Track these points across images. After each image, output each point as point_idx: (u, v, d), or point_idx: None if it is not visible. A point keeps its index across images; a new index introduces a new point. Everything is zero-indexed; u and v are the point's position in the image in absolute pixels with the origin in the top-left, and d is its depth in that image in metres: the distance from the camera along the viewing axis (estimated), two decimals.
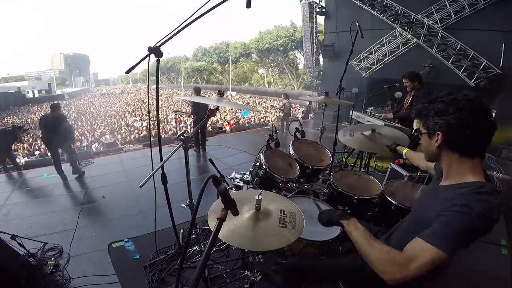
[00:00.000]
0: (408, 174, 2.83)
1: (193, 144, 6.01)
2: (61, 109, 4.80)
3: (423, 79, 3.66)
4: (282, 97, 9.53)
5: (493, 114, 0.99)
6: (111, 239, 2.80)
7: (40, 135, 4.81)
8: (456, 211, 0.88)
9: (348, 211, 2.00)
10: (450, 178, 1.04)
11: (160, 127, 2.29)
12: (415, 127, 1.06)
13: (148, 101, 1.88)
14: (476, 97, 0.94)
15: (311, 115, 12.30)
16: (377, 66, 9.32)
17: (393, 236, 1.29)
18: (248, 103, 23.04)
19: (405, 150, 1.90)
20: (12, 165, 5.82)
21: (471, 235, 0.88)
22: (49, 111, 4.55)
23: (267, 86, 35.85)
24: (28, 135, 12.36)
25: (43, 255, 2.54)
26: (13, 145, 6.25)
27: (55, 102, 4.78)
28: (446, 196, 0.97)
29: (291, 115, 9.45)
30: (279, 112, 8.79)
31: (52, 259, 2.48)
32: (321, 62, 12.07)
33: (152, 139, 6.92)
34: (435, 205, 0.99)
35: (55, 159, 4.61)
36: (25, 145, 10.60)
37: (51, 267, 2.35)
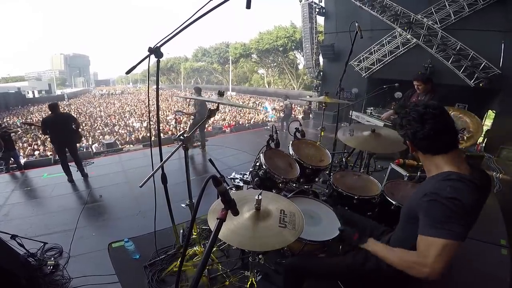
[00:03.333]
0: (408, 174, 2.84)
1: (194, 145, 6.03)
2: (60, 108, 4.57)
3: (418, 78, 3.61)
4: (283, 98, 9.45)
5: (452, 113, 1.10)
6: (111, 239, 2.80)
7: (49, 137, 4.64)
8: (428, 201, 0.97)
9: (348, 211, 2.00)
10: (430, 173, 1.14)
11: (160, 127, 2.29)
12: None
13: (149, 101, 1.88)
14: (424, 105, 1.09)
15: (311, 115, 12.30)
16: (377, 66, 9.31)
17: (394, 235, 1.30)
18: (247, 103, 23.04)
19: None
20: (15, 165, 5.83)
21: (457, 217, 0.92)
22: (50, 113, 4.31)
23: (267, 86, 35.83)
24: (28, 135, 12.38)
25: (43, 255, 2.54)
26: (14, 142, 6.15)
27: (53, 102, 4.54)
28: (424, 187, 1.08)
29: (292, 115, 9.39)
30: (280, 113, 8.62)
31: (52, 259, 2.48)
32: (321, 63, 12.05)
33: (152, 139, 6.93)
34: (416, 198, 1.09)
35: (63, 160, 4.48)
36: (25, 145, 10.61)
37: (51, 267, 2.36)
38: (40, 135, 12.02)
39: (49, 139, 4.78)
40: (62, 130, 4.30)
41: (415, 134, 1.10)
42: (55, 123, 4.26)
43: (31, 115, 20.55)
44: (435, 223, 0.93)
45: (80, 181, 4.56)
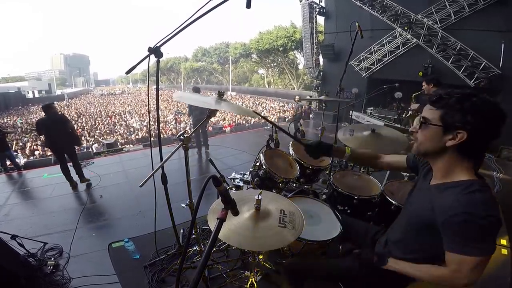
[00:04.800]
0: (408, 174, 2.83)
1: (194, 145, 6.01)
2: (56, 108, 4.27)
3: (423, 79, 3.65)
4: (296, 99, 8.94)
5: None
6: (111, 239, 2.81)
7: (44, 140, 4.38)
8: (461, 222, 0.88)
9: (348, 211, 2.00)
10: (442, 177, 1.02)
11: (160, 128, 2.29)
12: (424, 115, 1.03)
13: (149, 101, 1.88)
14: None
15: (311, 115, 12.29)
16: (377, 66, 9.31)
17: (390, 236, 1.28)
18: (247, 103, 23.03)
19: (347, 150, 1.49)
20: (12, 165, 5.81)
21: (488, 233, 0.89)
22: (45, 114, 4.07)
23: (267, 86, 35.84)
24: (28, 135, 12.38)
25: (43, 255, 2.55)
26: (8, 144, 6.01)
27: (47, 103, 4.20)
28: (440, 197, 0.97)
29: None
30: (292, 115, 7.79)
31: (52, 259, 2.48)
32: (321, 63, 12.06)
33: (152, 139, 6.92)
34: (430, 205, 0.99)
35: (63, 165, 4.19)
36: (27, 144, 10.62)
37: (51, 267, 2.36)
38: (40, 136, 12.03)
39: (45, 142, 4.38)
40: (56, 133, 4.03)
41: (488, 132, 0.91)
42: (48, 125, 4.00)
43: (31, 115, 20.56)
44: (470, 242, 0.89)
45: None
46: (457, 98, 0.92)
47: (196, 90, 5.73)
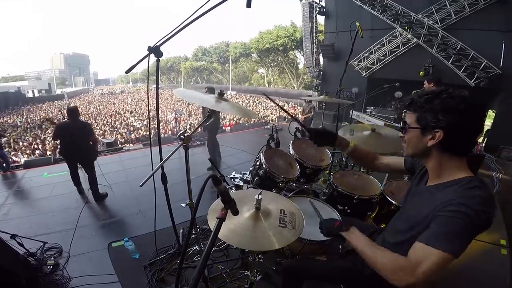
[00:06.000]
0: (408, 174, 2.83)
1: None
2: (79, 114, 3.84)
3: (424, 79, 3.66)
4: (306, 100, 8.44)
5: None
6: (111, 238, 2.81)
7: (58, 146, 3.87)
8: (453, 211, 0.86)
9: (348, 211, 2.00)
10: (439, 177, 1.02)
11: (160, 127, 2.28)
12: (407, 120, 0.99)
13: (148, 100, 1.88)
14: (468, 96, 0.92)
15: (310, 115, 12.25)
16: (377, 66, 9.31)
17: (387, 237, 1.26)
18: (247, 103, 23.00)
19: (352, 143, 1.44)
20: (4, 164, 5.77)
21: (473, 233, 0.86)
22: (67, 118, 3.71)
23: (267, 85, 35.81)
24: (28, 134, 12.38)
25: (43, 254, 2.54)
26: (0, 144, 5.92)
27: (71, 106, 3.84)
28: (440, 196, 0.96)
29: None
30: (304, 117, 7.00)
31: (52, 258, 2.48)
32: (321, 62, 12.05)
33: (152, 138, 6.91)
34: (432, 206, 0.97)
35: (73, 172, 3.94)
36: (25, 143, 10.61)
37: (51, 267, 2.36)
38: (40, 135, 12.02)
39: (57, 146, 4.01)
40: (75, 141, 3.65)
41: (465, 127, 0.90)
42: (69, 130, 3.63)
43: (31, 114, 20.54)
44: (447, 235, 0.85)
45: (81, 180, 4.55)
46: (426, 99, 0.95)
47: (211, 90, 4.98)
